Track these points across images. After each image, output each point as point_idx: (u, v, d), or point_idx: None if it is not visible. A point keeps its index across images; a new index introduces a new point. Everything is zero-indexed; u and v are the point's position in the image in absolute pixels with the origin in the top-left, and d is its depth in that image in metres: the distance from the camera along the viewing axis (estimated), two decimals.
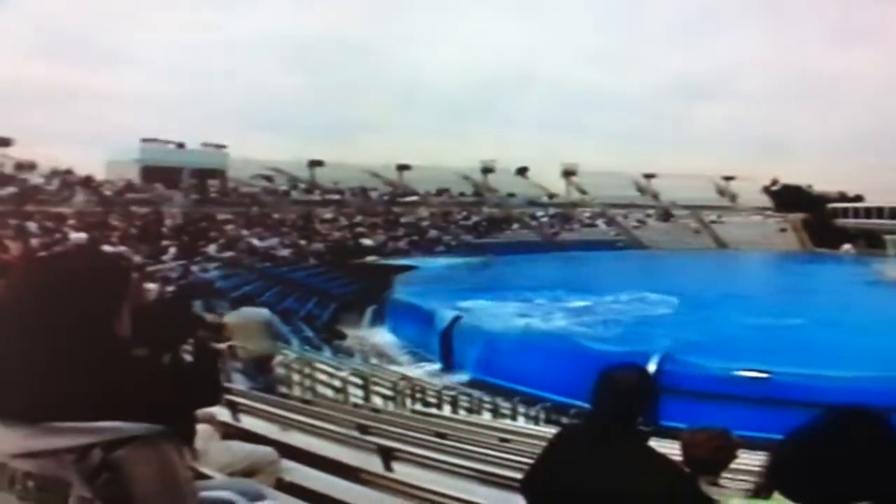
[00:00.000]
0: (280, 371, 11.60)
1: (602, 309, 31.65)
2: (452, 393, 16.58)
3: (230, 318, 10.94)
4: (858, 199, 72.51)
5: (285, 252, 44.68)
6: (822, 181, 79.23)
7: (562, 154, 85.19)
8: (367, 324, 34.91)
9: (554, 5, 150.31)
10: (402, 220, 58.77)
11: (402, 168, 67.59)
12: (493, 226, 63.20)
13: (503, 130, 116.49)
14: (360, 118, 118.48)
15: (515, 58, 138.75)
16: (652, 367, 17.93)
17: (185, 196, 49.52)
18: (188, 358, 2.92)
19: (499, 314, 29.17)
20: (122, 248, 30.23)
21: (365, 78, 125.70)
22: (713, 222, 72.15)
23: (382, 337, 32.21)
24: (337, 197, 59.42)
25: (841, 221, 68.99)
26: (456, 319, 27.19)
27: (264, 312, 11.42)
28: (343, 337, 31.46)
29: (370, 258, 47.36)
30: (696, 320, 28.19)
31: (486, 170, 71.79)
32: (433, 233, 57.82)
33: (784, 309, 30.89)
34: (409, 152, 74.26)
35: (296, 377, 13.03)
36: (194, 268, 33.13)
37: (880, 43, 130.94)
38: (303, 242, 47.88)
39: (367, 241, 51.29)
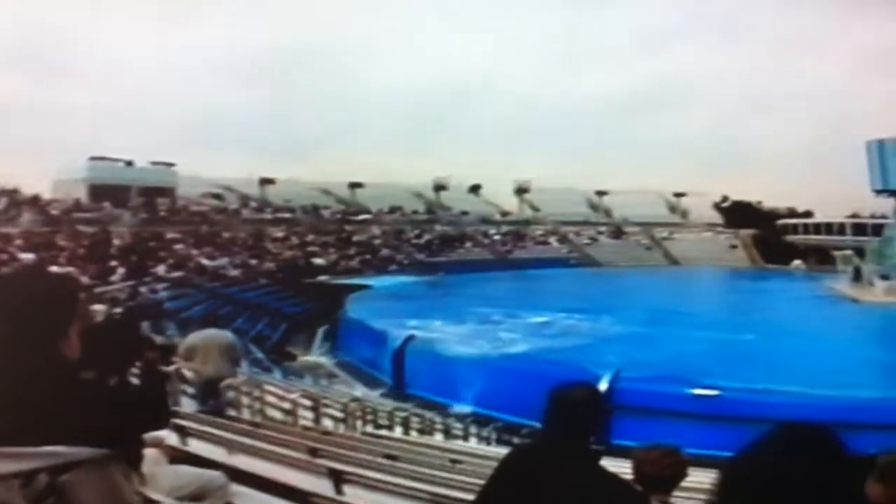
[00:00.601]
0: (229, 394, 11.45)
1: (554, 326, 31.74)
2: (404, 414, 16.47)
3: (193, 338, 10.89)
4: (808, 214, 73.45)
5: (235, 271, 44.27)
6: (772, 196, 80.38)
7: (514, 170, 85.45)
8: (319, 344, 34.64)
9: (507, 21, 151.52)
10: (355, 238, 58.66)
11: (355, 186, 67.54)
12: (445, 244, 63.30)
13: (457, 146, 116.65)
14: (312, 134, 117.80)
15: (468, 73, 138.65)
16: (603, 385, 17.96)
17: (133, 215, 48.88)
18: (136, 381, 2.88)
19: (451, 333, 29.05)
20: (69, 269, 29.77)
21: (316, 94, 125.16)
22: (664, 239, 72.99)
23: (333, 357, 31.99)
24: (288, 215, 59.10)
25: (791, 237, 69.88)
26: (408, 339, 27.08)
27: (228, 335, 11.38)
28: (293, 358, 31.21)
29: (322, 277, 47.09)
30: (647, 337, 28.30)
31: (439, 187, 71.98)
32: (386, 251, 57.73)
33: (735, 325, 31.29)
34: (360, 169, 74.16)
35: (245, 399, 12.86)
36: (143, 288, 32.74)
37: (832, 57, 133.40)
38: (253, 262, 47.49)
39: (318, 260, 51.12)
